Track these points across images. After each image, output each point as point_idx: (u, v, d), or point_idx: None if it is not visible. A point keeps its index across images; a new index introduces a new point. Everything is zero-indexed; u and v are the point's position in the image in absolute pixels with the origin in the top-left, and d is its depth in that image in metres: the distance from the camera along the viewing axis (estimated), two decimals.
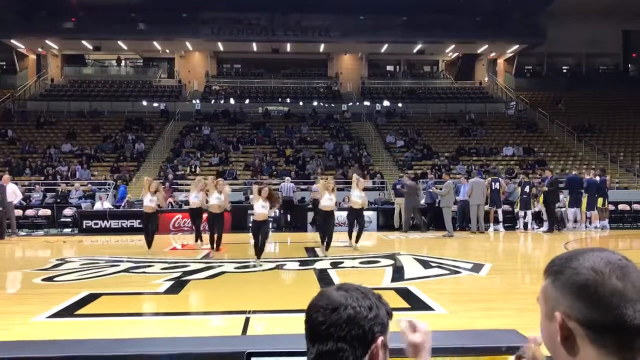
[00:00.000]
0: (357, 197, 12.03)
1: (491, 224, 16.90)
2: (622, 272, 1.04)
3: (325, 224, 11.46)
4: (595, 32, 32.40)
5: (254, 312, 6.15)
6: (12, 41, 32.82)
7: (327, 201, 11.24)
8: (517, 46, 34.54)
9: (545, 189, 16.28)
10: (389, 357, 1.33)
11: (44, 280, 8.52)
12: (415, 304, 6.56)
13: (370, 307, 1.29)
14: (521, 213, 16.81)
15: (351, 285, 1.34)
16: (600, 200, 16.63)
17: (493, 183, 16.92)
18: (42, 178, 22.87)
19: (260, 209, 10.04)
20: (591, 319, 1.02)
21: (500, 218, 16.88)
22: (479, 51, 36.23)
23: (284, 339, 1.39)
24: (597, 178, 16.90)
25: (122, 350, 1.88)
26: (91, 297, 6.97)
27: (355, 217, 12.38)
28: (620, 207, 19.10)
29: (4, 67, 35.59)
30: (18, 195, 16.83)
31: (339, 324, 1.25)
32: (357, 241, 12.34)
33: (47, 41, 33.39)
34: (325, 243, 11.27)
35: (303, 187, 21.66)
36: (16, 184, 17.85)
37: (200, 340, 2.34)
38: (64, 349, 1.85)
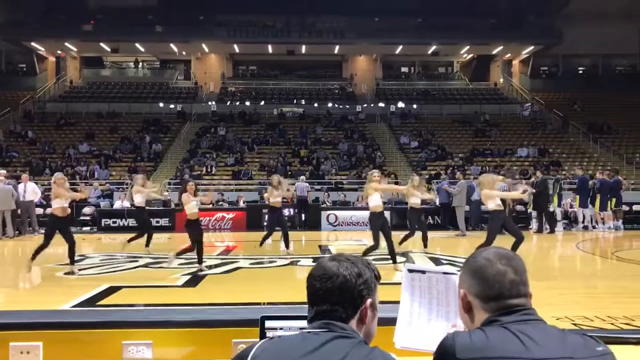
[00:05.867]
0: (417, 197, 11.46)
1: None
2: (507, 260, 1.54)
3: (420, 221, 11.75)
4: (611, 33, 32.17)
5: (269, 304, 6.35)
6: (33, 44, 33.46)
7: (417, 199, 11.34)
8: (532, 47, 34.41)
9: (533, 190, 16.32)
10: (377, 315, 1.61)
11: (65, 274, 8.81)
12: None
13: (359, 274, 1.56)
14: (534, 213, 16.87)
15: (343, 256, 1.61)
16: (613, 201, 16.62)
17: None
18: None
19: (275, 197, 11.15)
20: (481, 291, 1.53)
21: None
22: (493, 52, 36.16)
23: (293, 309, 1.60)
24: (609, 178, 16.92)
25: (149, 317, 2.09)
26: (112, 290, 7.23)
27: (418, 217, 11.81)
28: (635, 207, 19.06)
29: (25, 69, 36.21)
30: (38, 194, 17.19)
31: (332, 290, 1.53)
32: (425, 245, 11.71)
33: (66, 44, 34.00)
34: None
35: (317, 187, 21.87)
36: (36, 183, 18.24)
37: (221, 309, 2.54)
38: (102, 316, 2.06)
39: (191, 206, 9.12)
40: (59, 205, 8.86)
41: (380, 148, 27.97)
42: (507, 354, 1.41)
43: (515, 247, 8.42)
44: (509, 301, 1.50)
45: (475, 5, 31.08)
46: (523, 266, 1.56)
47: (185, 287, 7.71)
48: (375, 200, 9.14)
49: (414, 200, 11.34)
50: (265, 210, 18.57)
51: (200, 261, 9.10)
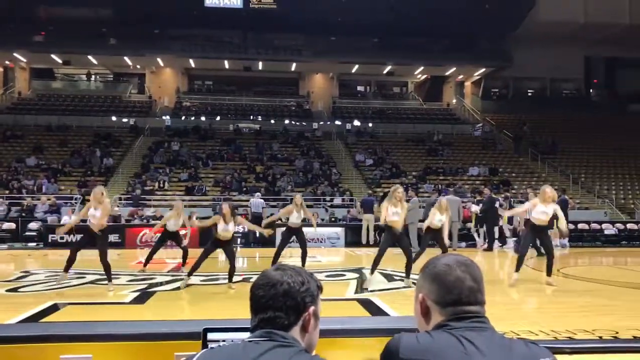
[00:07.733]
0: (439, 220, 11.10)
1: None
2: (465, 267, 1.59)
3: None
4: (558, 58, 33.59)
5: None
6: None
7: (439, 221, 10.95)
8: (484, 69, 35.49)
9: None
10: (319, 325, 1.62)
11: (7, 291, 8.49)
12: (377, 313, 6.76)
13: (302, 282, 1.57)
14: (480, 230, 17.28)
15: (287, 266, 1.63)
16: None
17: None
18: (7, 192, 22.53)
19: (296, 218, 11.26)
20: (440, 297, 1.57)
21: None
22: (447, 74, 37.07)
23: (236, 321, 1.59)
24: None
25: (89, 330, 2.03)
26: (56, 307, 7.00)
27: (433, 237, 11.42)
28: (580, 226, 19.75)
29: None
30: None
31: (276, 297, 1.53)
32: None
33: (15, 54, 33.04)
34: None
35: (272, 203, 21.80)
36: None
37: (163, 323, 2.50)
38: (39, 330, 1.99)
39: (221, 228, 9.19)
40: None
41: (336, 165, 28.15)
42: (447, 359, 1.44)
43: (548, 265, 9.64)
44: (466, 307, 1.54)
45: (430, 27, 31.78)
46: (480, 274, 1.61)
47: (133, 304, 7.53)
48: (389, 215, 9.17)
49: (436, 223, 11.03)
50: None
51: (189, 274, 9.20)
